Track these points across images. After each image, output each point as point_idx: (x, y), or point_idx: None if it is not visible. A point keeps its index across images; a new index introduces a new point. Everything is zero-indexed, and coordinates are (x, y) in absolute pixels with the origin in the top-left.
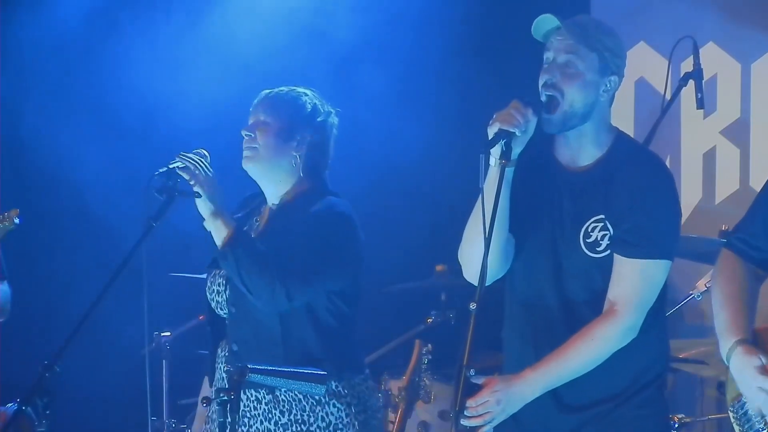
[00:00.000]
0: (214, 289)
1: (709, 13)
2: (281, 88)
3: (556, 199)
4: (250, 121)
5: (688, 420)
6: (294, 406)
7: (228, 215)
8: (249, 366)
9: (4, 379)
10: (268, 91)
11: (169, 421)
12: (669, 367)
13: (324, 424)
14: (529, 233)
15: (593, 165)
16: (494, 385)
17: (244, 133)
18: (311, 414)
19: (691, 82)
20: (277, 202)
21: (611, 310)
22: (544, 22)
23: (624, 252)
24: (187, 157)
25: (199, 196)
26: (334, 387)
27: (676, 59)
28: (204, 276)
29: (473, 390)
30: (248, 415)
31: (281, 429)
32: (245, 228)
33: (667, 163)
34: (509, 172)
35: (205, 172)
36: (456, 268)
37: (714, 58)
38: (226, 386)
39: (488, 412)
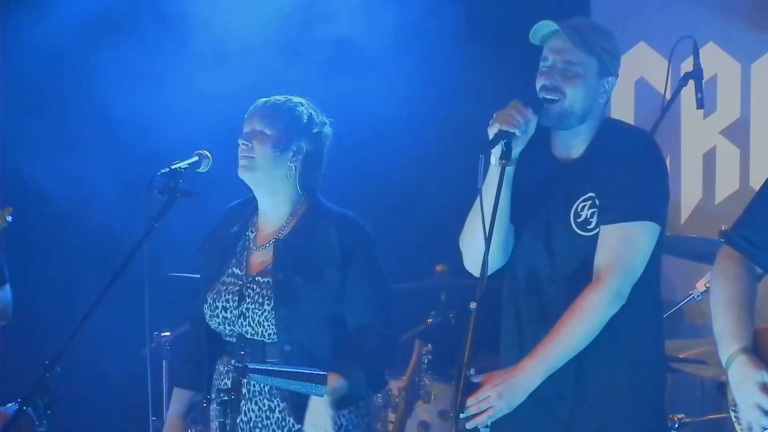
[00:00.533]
0: (218, 306)
1: (709, 13)
2: (277, 98)
3: (551, 189)
4: (246, 130)
5: (688, 420)
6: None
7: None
8: (249, 366)
9: (4, 379)
10: (264, 100)
11: None
12: (665, 361)
13: (336, 427)
14: (525, 223)
15: (583, 153)
16: (494, 379)
17: (241, 141)
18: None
19: (691, 82)
20: (277, 222)
21: (596, 278)
22: (542, 28)
23: (605, 219)
24: None
25: (199, 195)
26: None
27: (676, 59)
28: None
29: (474, 390)
30: (260, 425)
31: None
32: (240, 243)
33: (667, 163)
34: (510, 170)
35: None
36: (456, 269)
37: (714, 58)
38: (227, 386)
39: (491, 407)
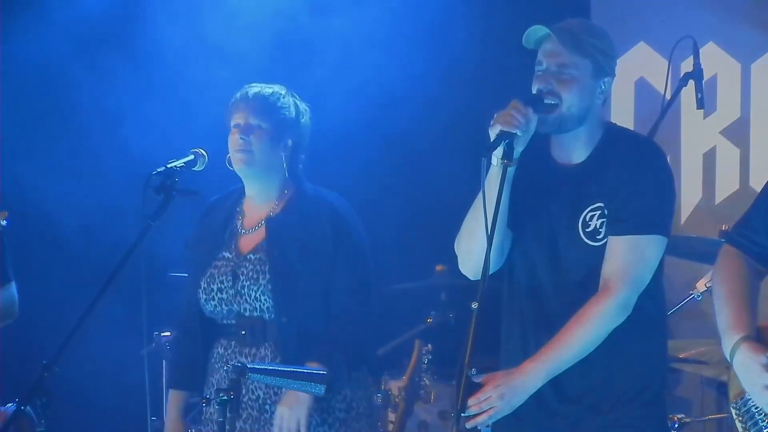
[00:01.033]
0: (213, 288)
1: (709, 13)
2: (262, 88)
3: (553, 194)
4: (240, 122)
5: (688, 420)
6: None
7: None
8: (248, 365)
9: (4, 379)
10: (253, 91)
11: None
12: (669, 368)
13: (341, 396)
14: (527, 227)
15: (587, 159)
16: (496, 380)
17: (239, 136)
18: (329, 390)
19: (691, 82)
20: (266, 205)
21: (603, 288)
22: (534, 32)
23: (614, 230)
24: None
25: (196, 194)
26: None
27: (676, 59)
28: None
29: (475, 390)
30: (269, 402)
31: None
32: (228, 231)
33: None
34: (511, 171)
35: None
36: (456, 269)
37: (714, 58)
38: (226, 386)
39: (492, 407)
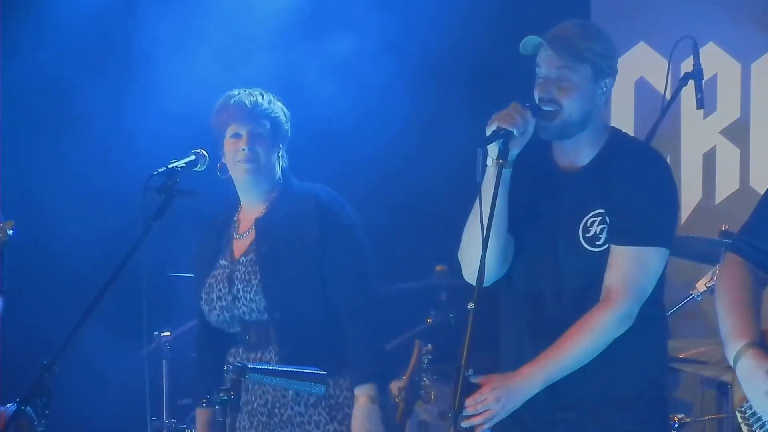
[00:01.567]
0: (213, 297)
1: (709, 13)
2: (253, 95)
3: (555, 199)
4: (240, 131)
5: (688, 420)
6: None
7: None
8: (249, 366)
9: (4, 379)
10: (245, 99)
11: (168, 421)
12: (669, 370)
13: (343, 388)
14: (528, 233)
15: (589, 164)
16: (493, 383)
17: (246, 147)
18: (335, 387)
19: (691, 82)
20: (257, 208)
21: (606, 297)
22: (530, 42)
23: (618, 240)
24: None
25: (197, 194)
26: None
27: (676, 59)
28: None
29: (472, 390)
30: (277, 404)
31: (311, 408)
32: (223, 240)
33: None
34: (506, 173)
35: None
36: (456, 268)
37: (714, 58)
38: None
39: (488, 410)
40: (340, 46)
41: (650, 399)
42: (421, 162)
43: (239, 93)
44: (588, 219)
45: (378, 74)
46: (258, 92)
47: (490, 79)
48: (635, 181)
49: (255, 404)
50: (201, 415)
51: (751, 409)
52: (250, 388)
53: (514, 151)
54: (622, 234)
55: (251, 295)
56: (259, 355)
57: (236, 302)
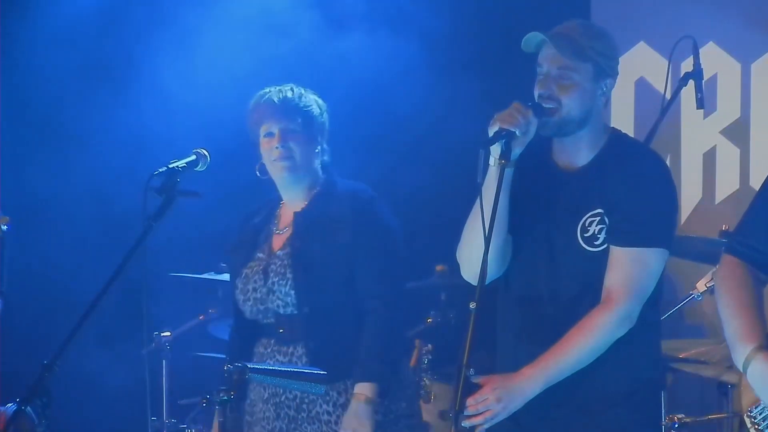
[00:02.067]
0: (248, 288)
1: (709, 13)
2: (284, 92)
3: (553, 199)
4: (272, 129)
5: (688, 420)
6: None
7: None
8: (249, 366)
9: (4, 379)
10: (276, 96)
11: (169, 421)
12: (662, 371)
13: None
14: (526, 233)
15: (589, 164)
16: (494, 383)
17: (278, 145)
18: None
19: (691, 82)
20: (297, 204)
21: (607, 298)
22: (534, 37)
23: (618, 241)
24: None
25: (197, 194)
26: None
27: (676, 59)
28: (203, 276)
29: (473, 390)
30: (306, 401)
31: (339, 408)
32: (262, 235)
33: (667, 163)
34: (508, 173)
35: None
36: (456, 268)
37: (714, 58)
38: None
39: (489, 410)
40: (341, 42)
41: (643, 398)
42: (421, 162)
43: (270, 91)
44: (586, 219)
45: (377, 74)
46: (288, 88)
47: (490, 80)
48: (634, 182)
49: (283, 397)
50: None
51: (762, 413)
52: None
53: (517, 150)
54: (622, 235)
55: (285, 289)
56: (290, 349)
57: (270, 295)
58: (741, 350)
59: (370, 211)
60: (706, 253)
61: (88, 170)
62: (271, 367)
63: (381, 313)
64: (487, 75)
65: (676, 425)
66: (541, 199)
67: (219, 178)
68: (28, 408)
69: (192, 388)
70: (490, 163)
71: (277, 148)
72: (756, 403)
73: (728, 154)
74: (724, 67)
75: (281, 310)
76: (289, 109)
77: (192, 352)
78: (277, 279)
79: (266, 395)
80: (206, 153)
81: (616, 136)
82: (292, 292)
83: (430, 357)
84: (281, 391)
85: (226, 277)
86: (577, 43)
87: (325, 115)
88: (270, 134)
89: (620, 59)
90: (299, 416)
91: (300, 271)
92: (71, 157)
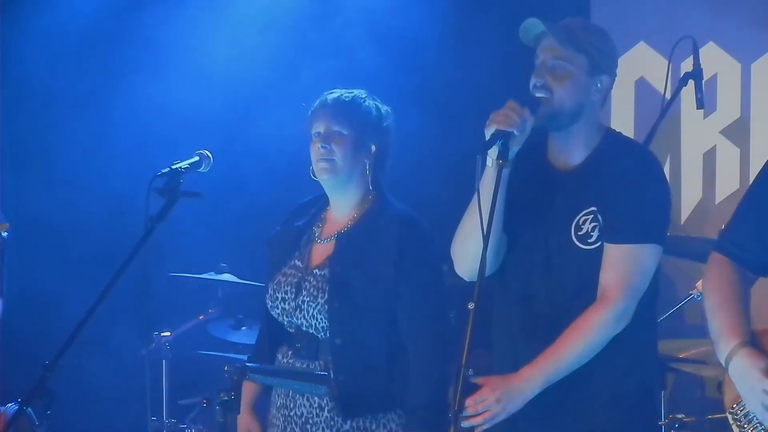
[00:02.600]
0: (278, 297)
1: (709, 13)
2: (343, 93)
3: (548, 198)
4: (320, 130)
5: (688, 420)
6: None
7: None
8: (248, 366)
9: (4, 379)
10: (331, 97)
11: (168, 421)
12: (660, 372)
13: (386, 430)
14: (520, 232)
15: (583, 163)
16: (493, 383)
17: (320, 144)
18: (373, 421)
19: (691, 82)
20: (344, 217)
21: (602, 296)
22: (531, 27)
23: (612, 238)
24: None
25: (200, 195)
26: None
27: (676, 59)
28: (203, 276)
29: (472, 390)
30: (310, 422)
31: None
32: (305, 238)
33: (667, 163)
34: (506, 172)
35: None
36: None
37: (714, 58)
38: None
39: (488, 410)
40: (344, 52)
41: (638, 400)
42: (421, 164)
43: (333, 92)
44: (580, 217)
45: (379, 73)
46: (347, 91)
47: (491, 80)
48: (627, 179)
49: (291, 412)
50: (246, 386)
51: (743, 409)
52: (289, 393)
53: (514, 149)
54: (615, 232)
55: (314, 312)
56: (306, 364)
57: (298, 312)
58: (724, 346)
59: (414, 242)
60: (706, 253)
61: (88, 171)
62: (270, 367)
63: (428, 354)
64: (486, 76)
65: (676, 425)
66: (536, 199)
67: (219, 177)
68: (29, 408)
69: (192, 388)
70: (487, 163)
71: (319, 148)
72: (736, 400)
73: (728, 154)
74: (724, 67)
75: (303, 328)
76: (338, 111)
77: (192, 352)
78: (308, 299)
79: (279, 403)
80: (209, 154)
81: (611, 134)
82: (322, 317)
83: None
84: (291, 404)
85: (226, 277)
86: (573, 33)
87: (387, 126)
88: (317, 134)
89: (620, 59)
90: None
91: (336, 299)
92: (72, 158)
